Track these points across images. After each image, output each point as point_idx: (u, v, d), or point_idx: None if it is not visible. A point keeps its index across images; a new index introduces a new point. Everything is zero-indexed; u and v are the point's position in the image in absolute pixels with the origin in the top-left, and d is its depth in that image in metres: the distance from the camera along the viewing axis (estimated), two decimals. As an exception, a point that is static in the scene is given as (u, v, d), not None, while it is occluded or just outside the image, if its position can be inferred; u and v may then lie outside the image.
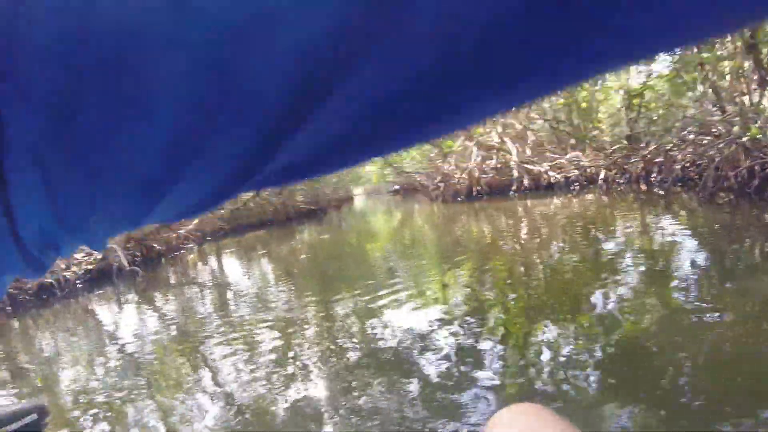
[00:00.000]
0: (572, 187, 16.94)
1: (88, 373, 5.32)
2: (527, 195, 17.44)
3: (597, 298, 5.01)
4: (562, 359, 3.66)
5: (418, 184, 31.48)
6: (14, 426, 0.88)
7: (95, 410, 4.16)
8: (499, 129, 20.06)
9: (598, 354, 3.67)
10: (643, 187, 14.69)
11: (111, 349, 6.16)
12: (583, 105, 21.01)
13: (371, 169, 45.55)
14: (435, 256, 9.12)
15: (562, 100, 20.68)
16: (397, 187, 42.74)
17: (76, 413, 4.18)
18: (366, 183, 54.27)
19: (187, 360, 5.19)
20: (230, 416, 3.56)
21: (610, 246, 7.73)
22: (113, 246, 13.25)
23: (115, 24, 0.21)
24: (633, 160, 15.73)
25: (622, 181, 15.83)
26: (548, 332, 4.21)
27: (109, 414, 4.07)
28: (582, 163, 17.71)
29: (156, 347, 5.93)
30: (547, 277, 6.39)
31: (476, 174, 20.59)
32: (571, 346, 3.87)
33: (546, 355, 3.75)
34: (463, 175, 21.22)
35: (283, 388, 3.90)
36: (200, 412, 3.73)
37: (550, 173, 17.73)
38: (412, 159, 34.68)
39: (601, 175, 16.47)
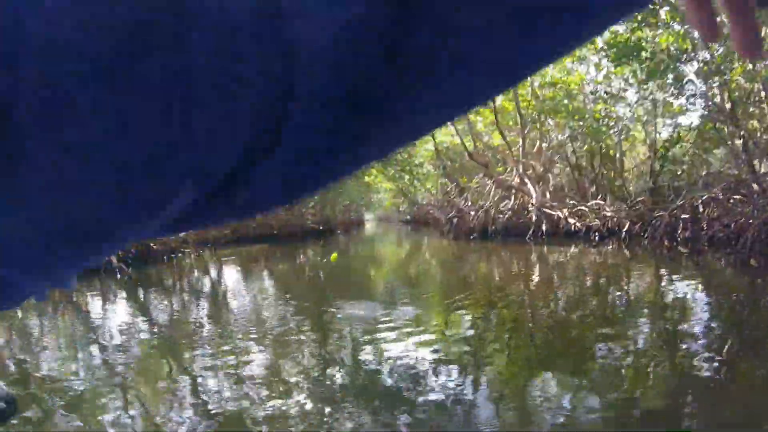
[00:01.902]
0: (592, 237, 16.17)
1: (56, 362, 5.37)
2: (544, 240, 16.63)
3: (600, 354, 4.70)
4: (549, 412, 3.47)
5: (430, 216, 30.91)
6: None
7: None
8: (521, 169, 19.38)
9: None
10: (667, 243, 13.96)
11: (79, 339, 6.31)
12: (611, 153, 20.43)
13: (384, 196, 45.13)
14: (438, 295, 8.44)
15: (586, 146, 20.14)
16: (408, 217, 42.01)
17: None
18: (378, 209, 53.76)
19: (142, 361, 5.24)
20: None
21: (625, 304, 7.10)
22: None
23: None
24: (658, 214, 15.02)
25: (645, 235, 15.08)
26: (540, 386, 3.99)
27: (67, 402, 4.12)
28: (604, 213, 16.98)
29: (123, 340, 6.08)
30: (550, 330, 5.86)
31: (492, 213, 19.84)
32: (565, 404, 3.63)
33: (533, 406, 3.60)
34: (479, 213, 20.48)
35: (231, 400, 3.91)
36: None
37: (570, 220, 16.98)
38: (427, 191, 34.18)
39: (625, 228, 15.76)
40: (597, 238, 15.95)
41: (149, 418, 3.73)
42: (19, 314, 7.47)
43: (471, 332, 5.77)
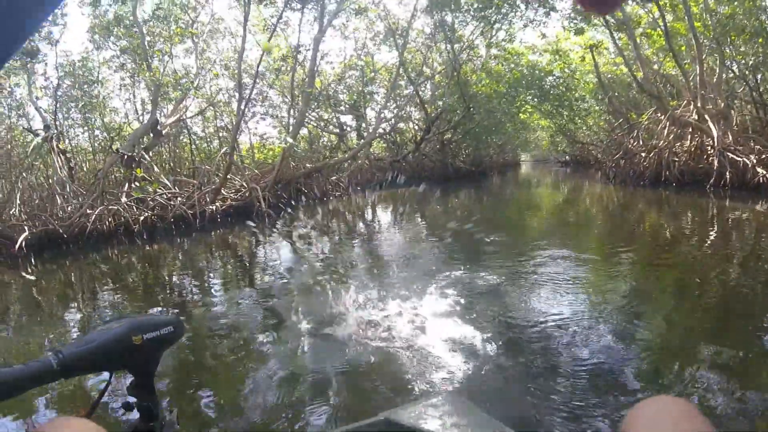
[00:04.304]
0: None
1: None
2: (728, 192, 14.36)
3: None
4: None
5: (593, 157, 28.62)
6: (151, 334, 0.97)
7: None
8: (699, 103, 16.69)
9: None
10: None
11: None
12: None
13: (542, 135, 42.88)
14: (597, 253, 7.49)
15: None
16: (567, 158, 39.39)
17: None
18: (534, 149, 51.45)
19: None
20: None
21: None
22: (255, 186, 13.76)
23: None
24: None
25: None
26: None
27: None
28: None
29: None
30: (716, 303, 5.13)
31: (666, 155, 17.53)
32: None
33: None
34: (651, 155, 18.24)
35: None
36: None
37: (759, 170, 14.26)
38: (589, 129, 31.66)
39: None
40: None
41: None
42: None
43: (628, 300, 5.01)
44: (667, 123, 17.92)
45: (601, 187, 19.68)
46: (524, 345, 4.07)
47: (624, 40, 20.74)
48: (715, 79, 17.22)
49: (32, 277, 9.04)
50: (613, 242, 9.00)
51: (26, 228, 11.33)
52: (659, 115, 19.00)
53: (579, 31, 21.06)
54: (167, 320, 1.01)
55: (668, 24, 16.93)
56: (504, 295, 5.49)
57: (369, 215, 14.75)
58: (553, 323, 4.50)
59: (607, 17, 18.67)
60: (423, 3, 21.18)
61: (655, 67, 21.71)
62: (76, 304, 7.13)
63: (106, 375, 1.00)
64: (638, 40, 19.60)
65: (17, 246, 10.68)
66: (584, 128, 32.10)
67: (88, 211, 12.17)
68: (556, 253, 7.52)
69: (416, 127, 28.14)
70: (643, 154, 18.88)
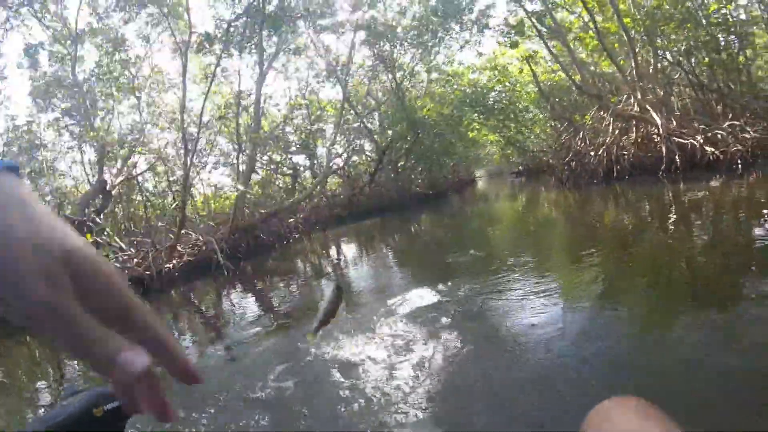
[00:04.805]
0: (735, 166, 13.97)
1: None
2: (680, 176, 14.73)
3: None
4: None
5: (544, 164, 29.11)
6: (112, 405, 0.93)
7: None
8: (638, 95, 17.18)
9: None
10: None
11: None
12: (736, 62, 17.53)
13: (493, 150, 43.58)
14: (563, 253, 7.44)
15: (706, 59, 17.48)
16: (520, 168, 40.02)
17: None
18: (487, 164, 52.21)
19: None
20: None
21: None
22: (211, 239, 13.43)
23: None
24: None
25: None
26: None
27: None
28: (745, 135, 14.60)
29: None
30: (698, 285, 5.10)
31: (614, 151, 17.91)
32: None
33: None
34: (600, 153, 18.58)
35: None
36: None
37: (707, 148, 14.71)
38: (537, 137, 32.31)
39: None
40: (741, 166, 13.81)
41: None
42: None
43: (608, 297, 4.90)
44: (611, 119, 18.38)
45: (555, 191, 19.91)
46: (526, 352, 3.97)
47: (558, 47, 21.36)
48: (651, 70, 17.80)
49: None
50: (575, 245, 8.97)
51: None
52: (602, 113, 19.47)
53: (514, 45, 21.62)
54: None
55: (599, 24, 17.50)
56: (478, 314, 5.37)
57: (331, 253, 14.49)
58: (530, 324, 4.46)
59: (539, 27, 19.25)
60: (361, 36, 21.47)
61: (592, 68, 22.37)
62: (35, 378, 6.81)
63: None
64: (572, 45, 20.19)
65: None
66: (532, 137, 32.76)
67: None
68: (521, 263, 7.44)
69: (369, 159, 28.20)
70: (592, 153, 19.23)
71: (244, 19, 15.42)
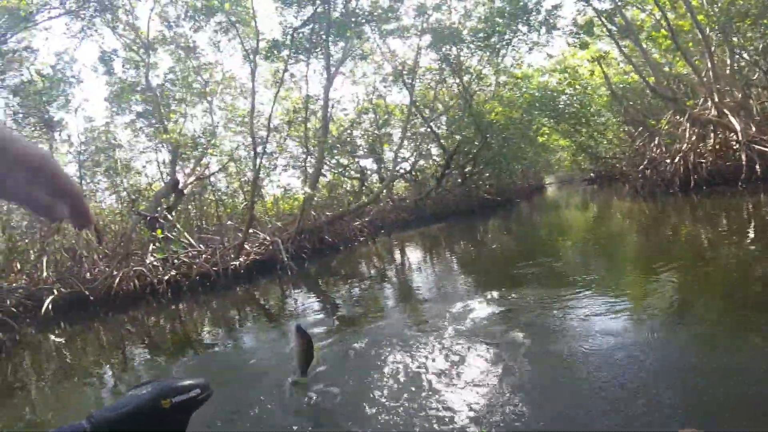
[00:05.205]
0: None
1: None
2: (760, 186, 13.55)
3: None
4: None
5: (618, 171, 28.05)
6: (179, 398, 0.98)
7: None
8: (715, 98, 16.18)
9: None
10: None
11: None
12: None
13: (563, 155, 42.49)
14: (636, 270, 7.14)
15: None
16: (592, 175, 38.69)
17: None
18: (558, 170, 50.89)
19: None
20: None
21: None
22: (277, 239, 13.77)
23: None
24: None
25: None
26: None
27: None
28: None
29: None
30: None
31: (692, 158, 16.92)
32: None
33: None
34: (676, 160, 17.60)
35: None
36: None
37: None
38: (609, 143, 31.23)
39: None
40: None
41: None
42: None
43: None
44: (688, 124, 17.47)
45: (629, 201, 19.09)
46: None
47: (630, 46, 20.62)
48: (727, 71, 16.85)
49: (61, 339, 9.12)
50: (648, 261, 8.45)
51: (55, 291, 11.56)
52: (678, 117, 18.54)
53: (584, 45, 20.99)
54: (194, 383, 1.03)
55: (671, 22, 16.79)
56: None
57: (395, 257, 14.56)
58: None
59: (609, 26, 18.66)
60: (427, 40, 21.49)
61: (666, 69, 21.44)
62: (104, 367, 7.15)
63: None
64: (644, 45, 19.45)
65: (44, 309, 10.89)
66: (605, 142, 31.65)
67: (114, 273, 12.34)
68: (589, 279, 7.29)
69: (436, 163, 28.15)
70: (668, 161, 18.26)
71: (311, 25, 15.79)
